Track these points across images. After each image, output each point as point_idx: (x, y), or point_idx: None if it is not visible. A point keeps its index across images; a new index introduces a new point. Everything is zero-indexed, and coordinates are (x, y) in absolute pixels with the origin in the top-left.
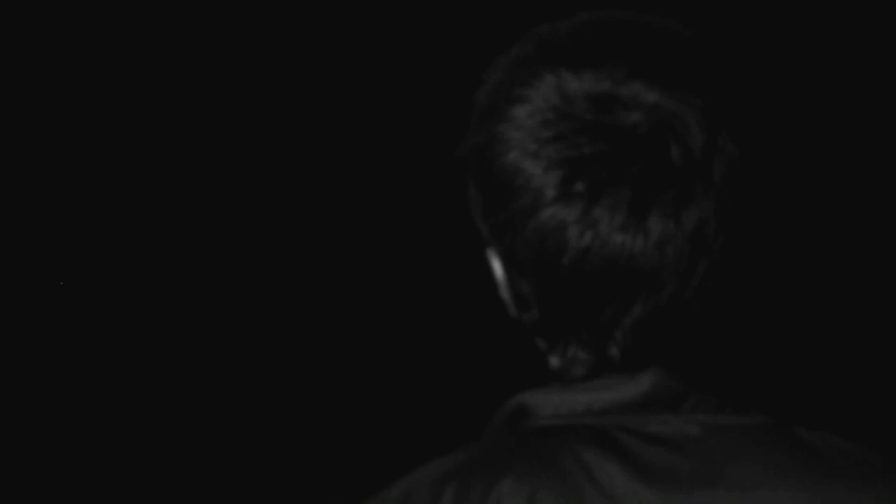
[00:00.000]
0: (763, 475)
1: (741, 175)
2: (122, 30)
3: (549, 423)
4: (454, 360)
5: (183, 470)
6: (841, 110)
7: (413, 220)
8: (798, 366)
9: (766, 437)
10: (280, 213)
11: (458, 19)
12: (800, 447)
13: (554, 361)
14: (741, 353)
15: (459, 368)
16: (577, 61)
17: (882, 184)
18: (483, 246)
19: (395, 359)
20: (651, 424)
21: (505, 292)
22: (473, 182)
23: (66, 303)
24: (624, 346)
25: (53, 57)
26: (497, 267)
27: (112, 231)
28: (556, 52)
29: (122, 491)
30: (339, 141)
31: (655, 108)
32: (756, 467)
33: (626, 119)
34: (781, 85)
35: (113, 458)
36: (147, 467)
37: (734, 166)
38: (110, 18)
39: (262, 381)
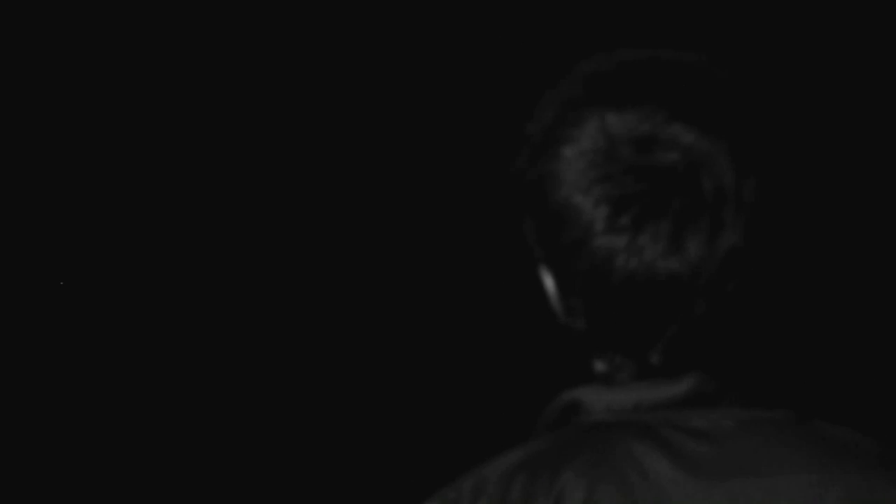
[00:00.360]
0: (788, 463)
1: (767, 203)
2: (122, 30)
3: (602, 418)
4: (461, 362)
5: (183, 470)
6: (848, 114)
7: (425, 223)
8: (822, 366)
9: (792, 430)
10: (285, 214)
11: (470, 25)
12: (822, 438)
13: (600, 366)
14: (770, 356)
15: (465, 371)
16: (620, 102)
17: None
18: (535, 263)
19: (406, 362)
20: (692, 420)
21: (556, 304)
22: (528, 212)
23: (67, 303)
24: (664, 354)
25: (53, 57)
26: (549, 283)
27: (112, 231)
28: (601, 93)
29: (122, 491)
30: (346, 144)
31: (690, 149)
32: (783, 456)
33: (663, 159)
34: (792, 92)
35: (113, 458)
36: (147, 467)
37: (760, 196)
38: (110, 18)
39: (268, 382)
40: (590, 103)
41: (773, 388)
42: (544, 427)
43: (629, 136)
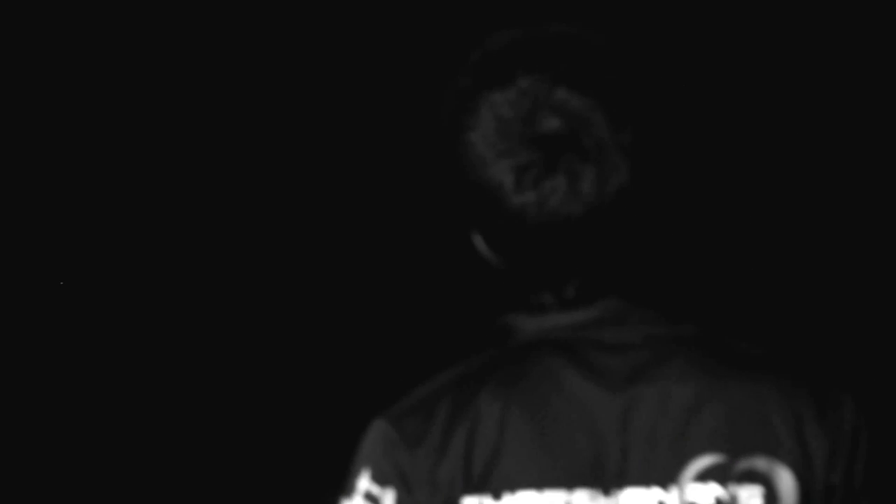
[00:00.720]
0: (681, 372)
1: (650, 150)
2: (123, 30)
3: (528, 338)
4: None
5: (182, 470)
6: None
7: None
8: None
9: (692, 344)
10: (272, 214)
11: (450, 22)
12: (719, 351)
13: (532, 298)
14: (683, 279)
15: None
16: (501, 83)
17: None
18: (467, 229)
19: (386, 355)
20: (603, 335)
21: (488, 257)
22: (450, 188)
23: (67, 303)
24: (577, 287)
25: (53, 57)
26: (479, 242)
27: (112, 231)
28: (485, 79)
29: (121, 491)
30: (328, 141)
31: (569, 112)
32: (678, 366)
33: (548, 125)
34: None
35: (113, 458)
36: (147, 467)
37: (642, 144)
38: (110, 19)
39: (260, 381)
40: (478, 89)
41: (683, 308)
42: (484, 347)
43: (515, 114)
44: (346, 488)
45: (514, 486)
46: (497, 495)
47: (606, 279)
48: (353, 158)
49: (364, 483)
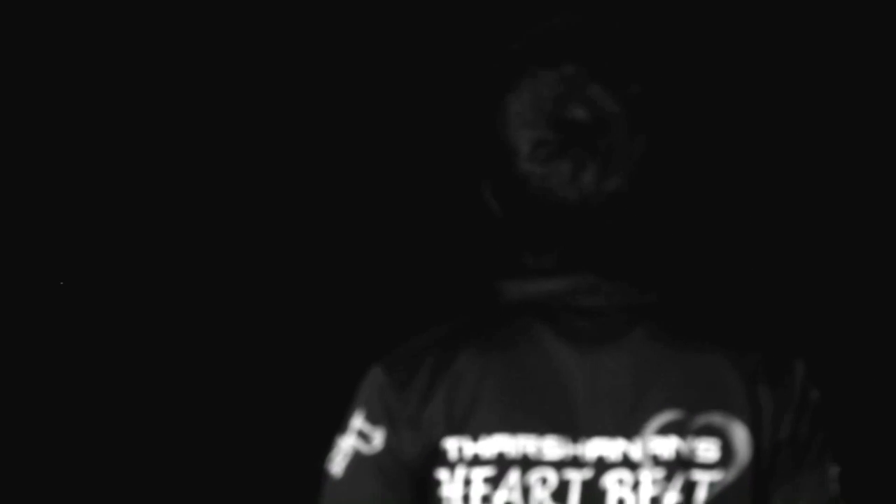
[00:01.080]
0: (643, 338)
1: (657, 156)
2: (123, 30)
3: (512, 300)
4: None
5: (181, 470)
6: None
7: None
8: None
9: (653, 313)
10: (268, 214)
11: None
12: (675, 319)
13: (520, 258)
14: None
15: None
16: (548, 63)
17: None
18: (479, 176)
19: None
20: (578, 302)
21: (492, 206)
22: (477, 145)
23: (67, 303)
24: (557, 256)
25: (53, 57)
26: (486, 190)
27: (112, 231)
28: (538, 54)
29: (120, 491)
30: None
31: (597, 109)
32: (640, 333)
33: (573, 114)
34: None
35: (112, 458)
36: (145, 467)
37: (651, 149)
38: (110, 19)
39: (257, 381)
40: (527, 61)
41: (649, 280)
42: (475, 305)
43: (551, 93)
44: (343, 427)
45: (490, 430)
46: (475, 437)
47: (585, 255)
48: (343, 125)
49: (358, 422)
